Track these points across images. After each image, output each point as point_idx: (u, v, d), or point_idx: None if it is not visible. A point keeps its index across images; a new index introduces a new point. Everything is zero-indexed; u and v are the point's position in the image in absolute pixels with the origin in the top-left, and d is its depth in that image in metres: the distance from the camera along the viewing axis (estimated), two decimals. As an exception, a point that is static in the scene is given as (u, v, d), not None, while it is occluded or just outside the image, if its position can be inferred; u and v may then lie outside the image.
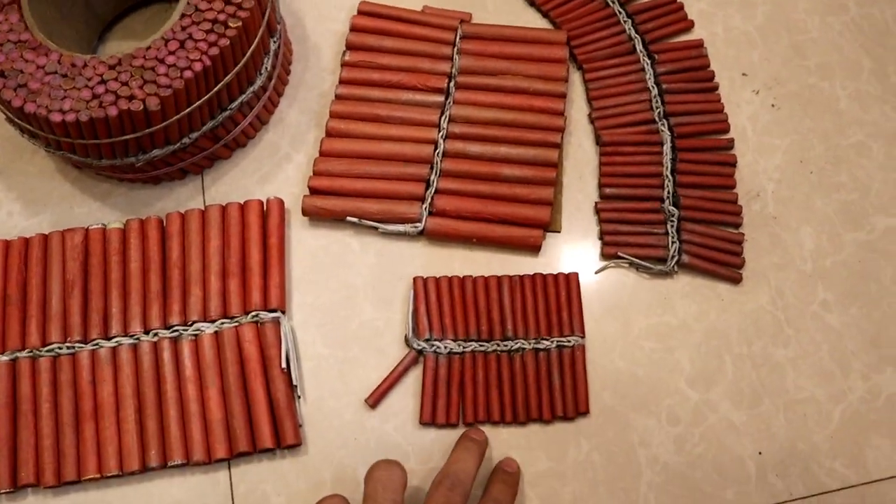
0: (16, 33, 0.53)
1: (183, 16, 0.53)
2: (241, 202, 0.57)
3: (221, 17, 0.53)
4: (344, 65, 0.61)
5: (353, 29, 0.62)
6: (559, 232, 0.58)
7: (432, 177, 0.58)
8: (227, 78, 0.54)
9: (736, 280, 0.57)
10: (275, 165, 0.60)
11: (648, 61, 0.62)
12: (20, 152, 0.61)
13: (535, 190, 0.58)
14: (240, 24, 0.53)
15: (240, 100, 0.56)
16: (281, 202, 0.58)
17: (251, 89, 0.57)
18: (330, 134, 0.60)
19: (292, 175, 0.60)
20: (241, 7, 0.53)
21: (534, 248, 0.58)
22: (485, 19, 0.64)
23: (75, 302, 0.56)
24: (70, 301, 0.56)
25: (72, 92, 0.51)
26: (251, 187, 0.60)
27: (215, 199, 0.59)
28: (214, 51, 0.52)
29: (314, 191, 0.58)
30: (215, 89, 0.54)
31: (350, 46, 0.62)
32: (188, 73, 0.52)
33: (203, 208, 0.58)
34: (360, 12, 0.63)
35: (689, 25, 0.64)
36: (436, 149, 0.59)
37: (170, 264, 0.57)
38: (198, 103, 0.54)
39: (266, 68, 0.58)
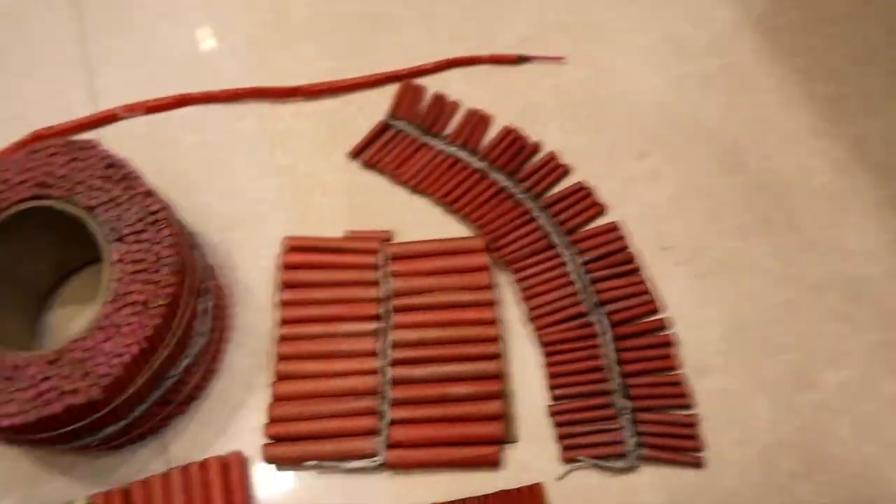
0: (-46, 343, 0.53)
1: (106, 302, 0.53)
2: (200, 461, 0.56)
3: (142, 297, 0.53)
4: (283, 304, 0.61)
5: (287, 267, 0.62)
6: (516, 442, 0.57)
7: (383, 407, 0.57)
8: (162, 353, 0.54)
9: (698, 465, 0.56)
10: (229, 415, 0.59)
11: (568, 252, 0.62)
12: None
13: (484, 405, 0.57)
14: (165, 301, 0.53)
15: (182, 365, 0.56)
16: (239, 457, 0.56)
17: (191, 352, 0.57)
18: (280, 377, 0.59)
19: (250, 422, 0.58)
20: (162, 285, 0.53)
21: (493, 465, 0.56)
22: (408, 234, 0.64)
23: None
24: None
25: (17, 394, 0.51)
26: (210, 441, 0.58)
27: (178, 456, 0.58)
28: (147, 331, 0.52)
29: (273, 438, 0.57)
30: (151, 366, 0.54)
31: (286, 285, 0.62)
32: (127, 358, 0.51)
33: (164, 471, 0.57)
34: (290, 248, 0.63)
35: (601, 210, 0.64)
36: (383, 377, 0.58)
37: (134, 539, 0.55)
38: (139, 382, 0.53)
39: (203, 330, 0.58)
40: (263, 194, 0.66)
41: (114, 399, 0.52)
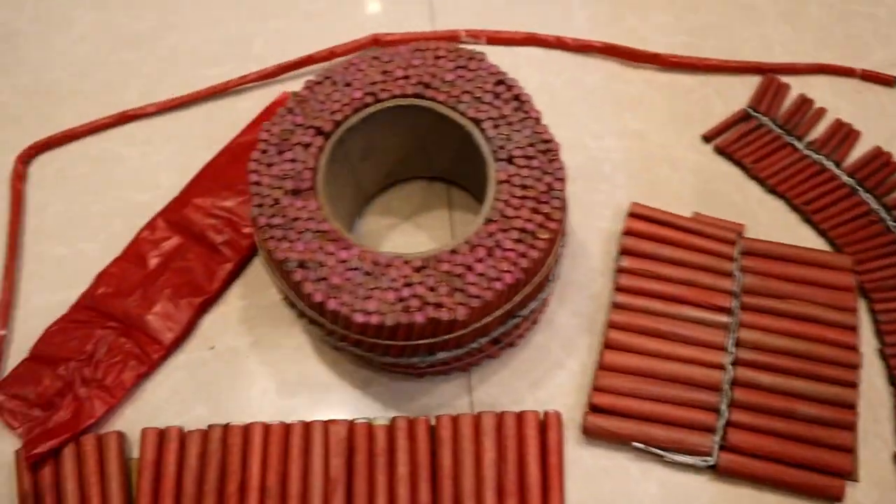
0: (315, 222, 0.49)
1: (488, 221, 0.49)
2: (517, 412, 0.52)
3: (529, 226, 0.49)
4: (620, 271, 0.56)
5: (628, 233, 0.58)
6: (857, 482, 0.51)
7: (722, 405, 0.52)
8: (526, 288, 0.50)
9: None
10: (546, 371, 0.54)
11: (940, 295, 0.56)
12: (277, 324, 0.56)
13: (835, 433, 0.51)
14: (549, 236, 0.49)
15: (530, 307, 0.52)
16: (559, 417, 0.52)
17: (542, 296, 0.52)
18: (610, 346, 0.54)
19: (565, 383, 0.54)
20: (550, 217, 0.49)
21: (836, 500, 0.50)
22: (757, 231, 0.59)
23: (338, 501, 0.50)
24: (332, 501, 0.50)
25: (375, 292, 0.47)
26: (522, 392, 0.54)
27: (483, 401, 0.54)
28: (525, 262, 0.48)
29: (596, 408, 0.52)
30: (516, 298, 0.50)
31: (625, 251, 0.57)
32: (498, 285, 0.47)
33: (473, 412, 0.53)
34: (632, 215, 0.58)
35: (978, 258, 0.58)
36: (725, 374, 0.53)
37: (441, 474, 0.50)
38: (498, 312, 0.49)
39: (557, 274, 0.53)
40: (608, 154, 0.62)
41: (471, 323, 0.48)
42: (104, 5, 0.71)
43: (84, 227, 0.61)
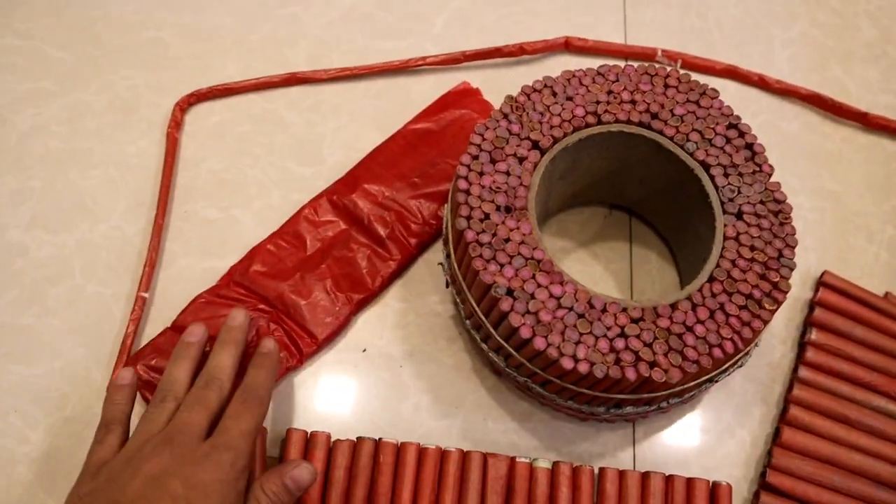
0: (528, 248, 0.45)
1: (713, 279, 0.45)
2: (687, 478, 0.48)
3: (756, 293, 0.44)
4: (809, 344, 0.52)
5: (820, 304, 0.54)
6: None
7: (905, 508, 0.48)
8: (741, 355, 0.46)
9: None
10: (715, 436, 0.50)
11: None
12: (436, 336, 0.52)
13: None
14: (776, 307, 0.44)
15: (730, 372, 0.47)
16: (731, 490, 0.48)
17: (742, 361, 0.48)
18: (791, 423, 0.50)
19: (734, 453, 0.50)
20: (778, 287, 0.45)
21: None
22: (946, 323, 0.55)
23: (491, 546, 0.46)
24: (486, 543, 0.46)
25: (587, 338, 0.43)
26: (687, 454, 0.50)
27: (647, 457, 0.50)
28: (748, 332, 0.43)
29: (770, 488, 0.48)
30: (726, 366, 0.46)
31: (817, 325, 0.53)
32: (717, 352, 0.43)
33: (635, 467, 0.49)
34: (825, 285, 0.54)
35: None
36: (909, 475, 0.49)
37: (604, 533, 0.47)
38: (705, 378, 0.45)
39: (758, 342, 0.49)
40: (800, 211, 0.57)
41: (677, 385, 0.44)
42: (276, -49, 0.65)
43: (239, 191, 0.56)
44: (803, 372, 0.51)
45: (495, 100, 0.59)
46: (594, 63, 0.61)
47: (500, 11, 0.64)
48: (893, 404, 0.50)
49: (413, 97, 0.60)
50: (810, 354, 0.52)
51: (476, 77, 0.60)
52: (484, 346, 0.48)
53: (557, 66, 0.61)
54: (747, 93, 0.61)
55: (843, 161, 0.59)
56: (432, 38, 0.62)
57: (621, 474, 0.48)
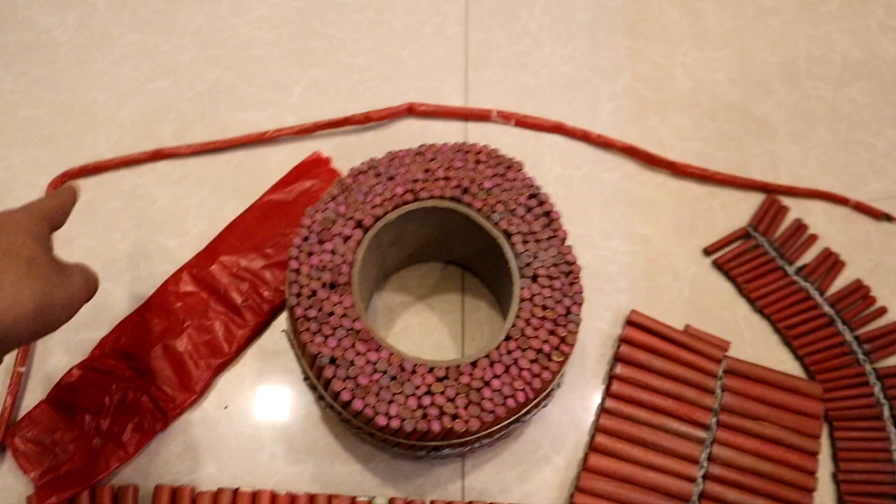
0: (349, 319, 0.50)
1: (509, 338, 0.51)
2: (506, 504, 0.55)
3: (546, 347, 0.51)
4: (614, 377, 0.59)
5: (625, 340, 0.60)
6: None
7: (690, 518, 0.56)
8: (536, 399, 0.52)
9: None
10: (534, 464, 0.57)
11: (895, 430, 0.60)
12: (289, 393, 0.58)
13: (787, 554, 0.55)
14: (563, 359, 0.51)
15: (533, 413, 0.54)
16: (544, 513, 0.55)
17: (544, 404, 0.55)
18: (596, 449, 0.57)
19: (550, 478, 0.57)
20: (565, 341, 0.51)
21: None
22: (741, 349, 0.62)
23: (334, 575, 0.53)
24: (330, 573, 0.53)
25: (399, 397, 0.49)
26: (510, 483, 0.56)
27: (474, 486, 0.56)
28: (538, 383, 0.50)
29: (577, 508, 0.56)
30: (524, 412, 0.52)
31: (622, 359, 0.60)
32: (511, 402, 0.49)
33: (464, 497, 0.55)
34: (631, 323, 0.61)
35: (933, 398, 0.63)
36: (696, 487, 0.57)
37: (432, 557, 0.54)
38: (506, 422, 0.52)
39: (561, 383, 0.56)
40: (615, 255, 0.64)
41: (480, 431, 0.51)
42: (147, 29, 0.69)
43: (110, 265, 0.61)
44: (609, 402, 0.58)
45: (346, 165, 0.64)
46: (437, 125, 0.67)
47: (353, 79, 0.69)
48: (684, 425, 0.58)
49: (271, 167, 0.65)
50: (615, 387, 0.59)
51: (329, 144, 0.66)
52: (321, 402, 0.54)
53: (402, 129, 0.67)
54: (573, 146, 0.67)
55: (656, 206, 0.66)
56: (290, 107, 0.67)
57: (449, 504, 0.55)
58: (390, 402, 0.49)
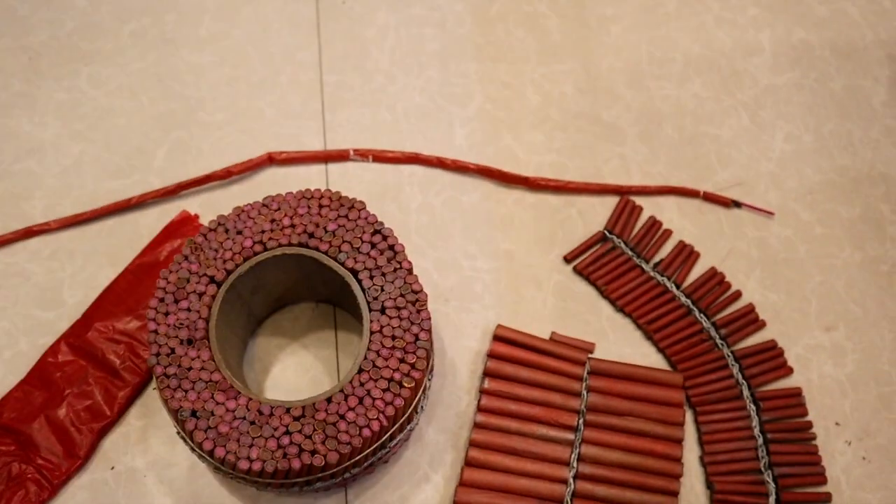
0: (207, 372, 0.55)
1: (361, 370, 0.55)
2: (387, 527, 0.59)
3: (397, 375, 0.55)
4: (483, 392, 0.64)
5: (492, 355, 0.65)
6: (674, 577, 0.60)
7: (563, 517, 0.61)
8: (395, 426, 0.56)
9: None
10: (414, 485, 0.61)
11: (754, 408, 0.65)
12: (173, 443, 0.62)
13: (657, 538, 0.60)
14: (414, 384, 0.55)
15: (398, 438, 0.58)
16: (423, 530, 0.59)
17: (409, 427, 0.59)
18: (470, 464, 0.61)
19: (430, 496, 0.61)
20: (415, 367, 0.56)
21: None
22: (606, 348, 0.67)
23: None
24: None
25: (258, 441, 0.53)
26: (393, 504, 0.61)
27: (358, 512, 0.61)
28: (391, 410, 0.54)
29: (455, 521, 0.60)
30: (383, 439, 0.56)
31: (489, 374, 0.64)
32: (367, 432, 0.54)
33: (349, 526, 0.60)
34: (497, 338, 0.66)
35: (789, 372, 0.67)
36: (567, 488, 0.61)
37: (319, 587, 0.58)
38: (367, 451, 0.56)
39: (422, 406, 0.60)
40: (479, 274, 0.68)
41: (343, 463, 0.55)
42: (8, 112, 0.73)
43: (-10, 344, 0.64)
44: (479, 417, 0.63)
45: (214, 219, 0.68)
46: (299, 171, 0.71)
47: (214, 135, 0.74)
48: (552, 430, 0.62)
49: (141, 230, 0.69)
50: (484, 401, 0.63)
51: (195, 202, 0.70)
52: (194, 453, 0.58)
53: (266, 179, 0.71)
54: (431, 173, 0.72)
55: (516, 221, 0.71)
56: (155, 170, 0.72)
57: (333, 533, 0.59)
58: (251, 446, 0.53)
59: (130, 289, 0.66)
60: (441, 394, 0.65)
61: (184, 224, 0.69)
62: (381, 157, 0.72)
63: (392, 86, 0.76)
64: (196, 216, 0.69)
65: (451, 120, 0.75)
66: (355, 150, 0.72)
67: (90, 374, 0.63)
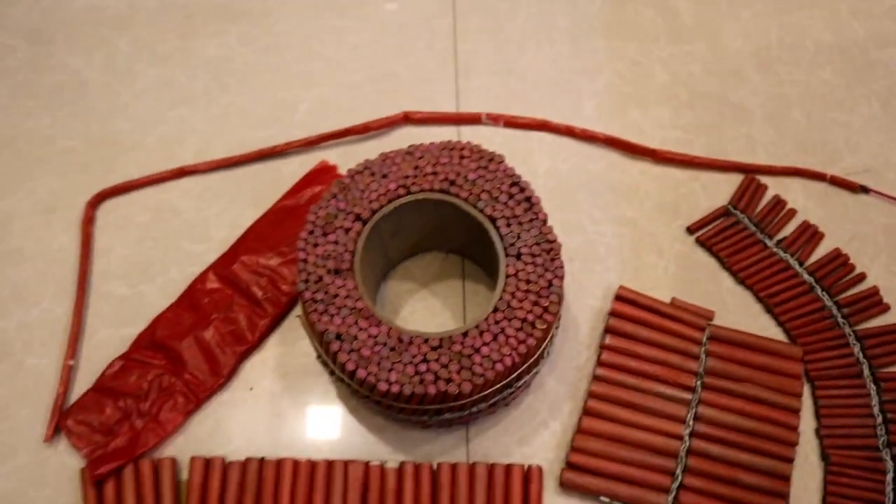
0: (352, 300, 0.60)
1: (496, 310, 0.60)
2: (506, 465, 0.64)
3: (530, 317, 0.60)
4: (604, 348, 0.68)
5: (614, 314, 0.69)
6: (786, 542, 0.63)
7: (677, 470, 0.64)
8: (525, 366, 0.61)
9: None
10: (533, 430, 0.66)
11: (874, 387, 0.68)
12: (308, 372, 0.68)
13: (771, 500, 0.63)
14: (546, 326, 0.60)
15: (524, 380, 0.63)
16: (541, 471, 0.64)
17: (534, 371, 0.64)
18: (589, 413, 0.66)
19: (548, 441, 0.66)
20: (548, 311, 0.60)
21: (765, 557, 0.62)
22: (725, 318, 0.70)
23: (352, 534, 0.62)
24: (348, 532, 0.62)
25: (398, 365, 0.58)
26: (510, 447, 0.65)
27: (478, 451, 0.65)
28: (523, 348, 0.59)
29: (572, 466, 0.64)
30: (513, 375, 0.61)
31: (611, 331, 0.68)
32: (499, 366, 0.58)
33: (468, 461, 0.65)
34: (619, 298, 0.70)
35: (912, 357, 0.70)
36: (682, 444, 0.65)
37: (439, 514, 0.63)
38: (497, 386, 0.60)
39: (548, 352, 0.65)
40: (603, 238, 0.73)
41: (474, 395, 0.60)
42: (164, 62, 0.82)
43: (144, 271, 0.72)
44: (599, 371, 0.67)
45: (350, 171, 0.75)
46: (431, 131, 0.77)
47: (352, 94, 0.80)
48: (670, 388, 0.66)
49: (283, 176, 0.76)
50: (605, 356, 0.67)
51: (334, 153, 0.76)
52: (332, 377, 0.63)
53: (400, 136, 0.77)
54: (559, 141, 0.77)
55: (640, 191, 0.75)
56: (297, 123, 0.79)
57: (453, 467, 0.64)
58: (390, 369, 0.58)
59: (272, 228, 0.72)
60: (563, 347, 0.69)
61: (323, 172, 0.75)
62: (511, 123, 0.77)
63: (523, 57, 0.81)
64: (335, 166, 0.75)
65: (579, 92, 0.80)
66: (487, 115, 0.77)
67: (235, 302, 0.69)
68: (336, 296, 0.61)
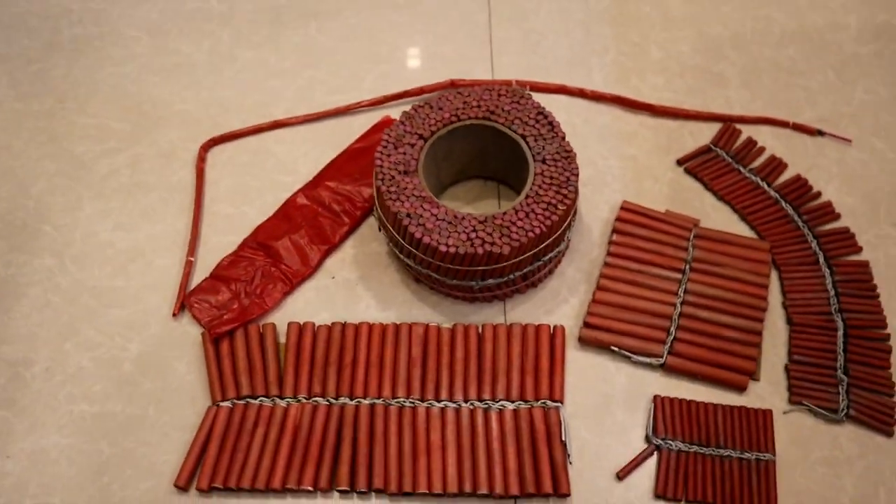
0: (418, 191, 0.86)
1: (527, 196, 0.86)
2: (536, 325, 0.88)
3: (554, 201, 0.86)
4: (612, 243, 0.93)
5: (620, 219, 0.94)
6: (758, 381, 0.86)
7: (672, 328, 0.87)
8: (549, 240, 0.86)
9: (889, 433, 0.83)
10: (556, 304, 0.90)
11: (828, 271, 0.91)
12: (378, 265, 0.93)
13: (745, 348, 0.86)
14: (565, 207, 0.85)
15: (549, 255, 0.88)
16: (564, 330, 0.88)
17: (557, 249, 0.88)
18: (601, 288, 0.90)
19: (568, 312, 0.90)
20: (567, 197, 0.86)
21: (741, 389, 0.85)
22: (709, 225, 0.95)
23: (417, 372, 0.85)
24: (413, 371, 0.86)
25: (454, 234, 0.84)
26: (540, 316, 0.90)
27: (513, 319, 0.89)
28: (549, 222, 0.84)
29: (589, 325, 0.88)
30: (542, 245, 0.86)
31: (617, 231, 0.94)
32: (531, 234, 0.83)
33: (507, 324, 0.89)
34: (623, 208, 0.95)
35: (859, 249, 0.94)
36: (675, 310, 0.89)
37: (484, 357, 0.86)
38: (530, 252, 0.85)
39: (567, 237, 0.90)
40: (610, 170, 0.99)
41: (511, 258, 0.84)
42: (258, 48, 1.11)
43: (245, 196, 0.98)
44: (608, 259, 0.92)
45: (408, 124, 1.02)
46: (472, 94, 1.03)
47: (408, 68, 1.09)
48: (664, 270, 0.90)
49: (354, 128, 1.03)
50: (613, 248, 0.92)
51: (395, 111, 1.04)
52: (400, 255, 0.88)
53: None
54: (574, 102, 1.04)
55: (639, 137, 1.02)
56: (364, 91, 1.07)
57: (494, 327, 0.88)
58: (448, 236, 0.84)
59: (348, 163, 0.99)
60: (579, 245, 0.94)
61: (386, 124, 1.02)
62: (535, 87, 1.05)
63: (544, 41, 1.10)
64: (395, 120, 1.02)
65: (590, 66, 1.08)
66: (517, 81, 1.05)
67: (319, 214, 0.95)
68: (405, 188, 0.87)
